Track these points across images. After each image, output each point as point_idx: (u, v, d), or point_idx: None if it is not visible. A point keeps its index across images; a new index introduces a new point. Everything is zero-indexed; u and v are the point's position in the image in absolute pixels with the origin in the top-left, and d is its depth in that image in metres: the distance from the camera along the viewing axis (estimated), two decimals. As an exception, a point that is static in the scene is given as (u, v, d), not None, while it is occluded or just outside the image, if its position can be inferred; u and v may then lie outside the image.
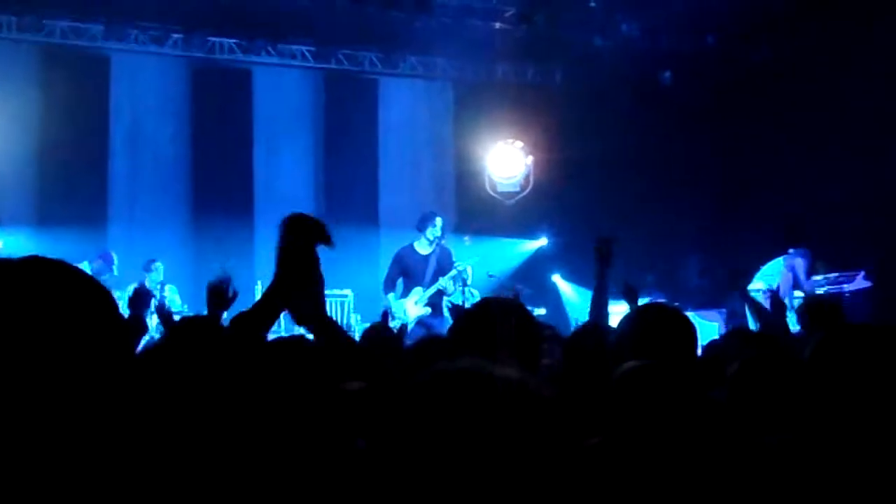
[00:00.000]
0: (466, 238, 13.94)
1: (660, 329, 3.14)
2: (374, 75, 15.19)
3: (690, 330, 3.29)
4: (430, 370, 1.51)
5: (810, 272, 11.96)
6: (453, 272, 11.36)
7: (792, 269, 11.97)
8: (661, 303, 6.71)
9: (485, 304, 3.13)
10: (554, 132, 14.67)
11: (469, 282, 11.59)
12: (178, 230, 14.39)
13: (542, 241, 14.27)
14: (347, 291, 13.28)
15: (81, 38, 13.98)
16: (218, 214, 14.43)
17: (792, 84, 13.21)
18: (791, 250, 12.07)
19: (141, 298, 5.56)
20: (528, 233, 14.93)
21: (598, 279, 5.38)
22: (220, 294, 5.24)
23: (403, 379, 3.02)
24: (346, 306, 13.31)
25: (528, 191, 14.64)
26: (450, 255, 11.64)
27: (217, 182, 14.57)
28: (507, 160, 15.00)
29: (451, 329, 3.23)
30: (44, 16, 13.66)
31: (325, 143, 15.00)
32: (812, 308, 6.05)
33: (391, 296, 11.72)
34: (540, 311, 13.07)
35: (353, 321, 13.07)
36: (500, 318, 2.71)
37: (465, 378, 1.44)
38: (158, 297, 12.18)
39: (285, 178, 14.85)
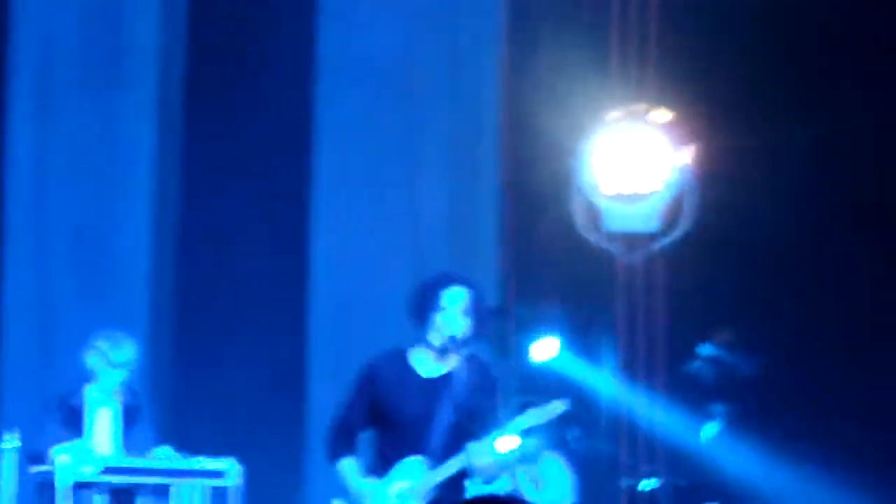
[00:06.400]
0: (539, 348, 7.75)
1: None
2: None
3: None
4: None
5: None
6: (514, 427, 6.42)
7: None
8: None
9: None
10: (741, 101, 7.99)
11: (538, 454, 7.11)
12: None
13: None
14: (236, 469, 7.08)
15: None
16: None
17: None
18: None
19: None
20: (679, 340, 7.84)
21: None
22: None
23: None
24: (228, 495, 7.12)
25: (679, 235, 7.79)
26: (493, 383, 6.55)
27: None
28: (632, 153, 7.83)
29: None
30: None
31: (188, 79, 8.87)
32: None
33: (348, 465, 6.52)
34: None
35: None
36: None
37: None
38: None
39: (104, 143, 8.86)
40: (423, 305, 6.43)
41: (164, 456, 7.25)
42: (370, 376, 6.56)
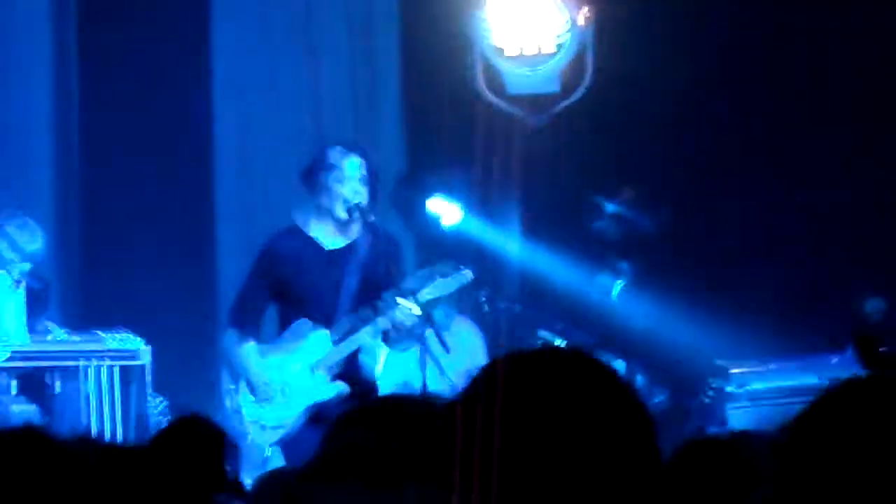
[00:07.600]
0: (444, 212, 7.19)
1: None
2: None
3: None
4: None
5: None
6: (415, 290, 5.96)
7: None
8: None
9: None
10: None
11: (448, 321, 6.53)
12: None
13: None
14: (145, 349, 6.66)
15: None
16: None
17: None
18: None
19: None
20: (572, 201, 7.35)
21: None
22: None
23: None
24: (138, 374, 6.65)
25: (580, 95, 7.12)
26: (396, 249, 6.19)
27: None
28: (532, 14, 7.16)
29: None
30: None
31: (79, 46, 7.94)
32: None
33: (249, 345, 6.08)
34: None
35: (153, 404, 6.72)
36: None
37: None
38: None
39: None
40: (320, 175, 5.93)
41: (63, 337, 6.73)
42: (270, 255, 6.09)
